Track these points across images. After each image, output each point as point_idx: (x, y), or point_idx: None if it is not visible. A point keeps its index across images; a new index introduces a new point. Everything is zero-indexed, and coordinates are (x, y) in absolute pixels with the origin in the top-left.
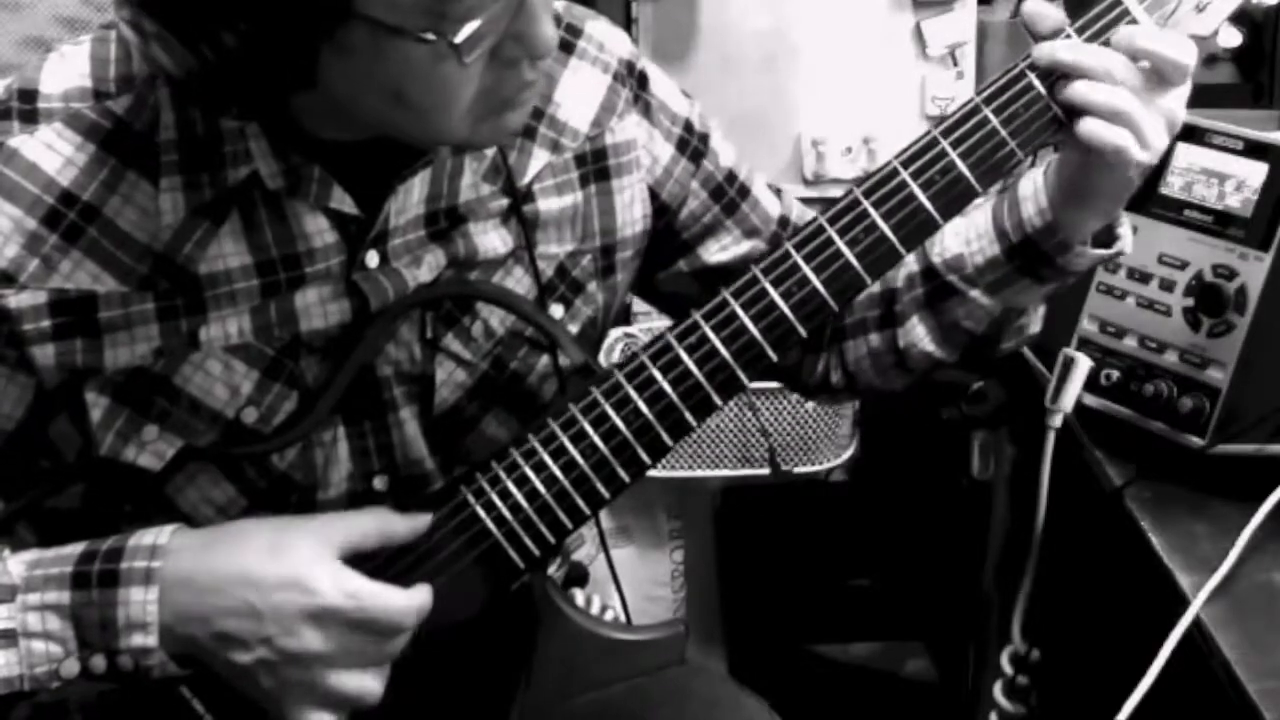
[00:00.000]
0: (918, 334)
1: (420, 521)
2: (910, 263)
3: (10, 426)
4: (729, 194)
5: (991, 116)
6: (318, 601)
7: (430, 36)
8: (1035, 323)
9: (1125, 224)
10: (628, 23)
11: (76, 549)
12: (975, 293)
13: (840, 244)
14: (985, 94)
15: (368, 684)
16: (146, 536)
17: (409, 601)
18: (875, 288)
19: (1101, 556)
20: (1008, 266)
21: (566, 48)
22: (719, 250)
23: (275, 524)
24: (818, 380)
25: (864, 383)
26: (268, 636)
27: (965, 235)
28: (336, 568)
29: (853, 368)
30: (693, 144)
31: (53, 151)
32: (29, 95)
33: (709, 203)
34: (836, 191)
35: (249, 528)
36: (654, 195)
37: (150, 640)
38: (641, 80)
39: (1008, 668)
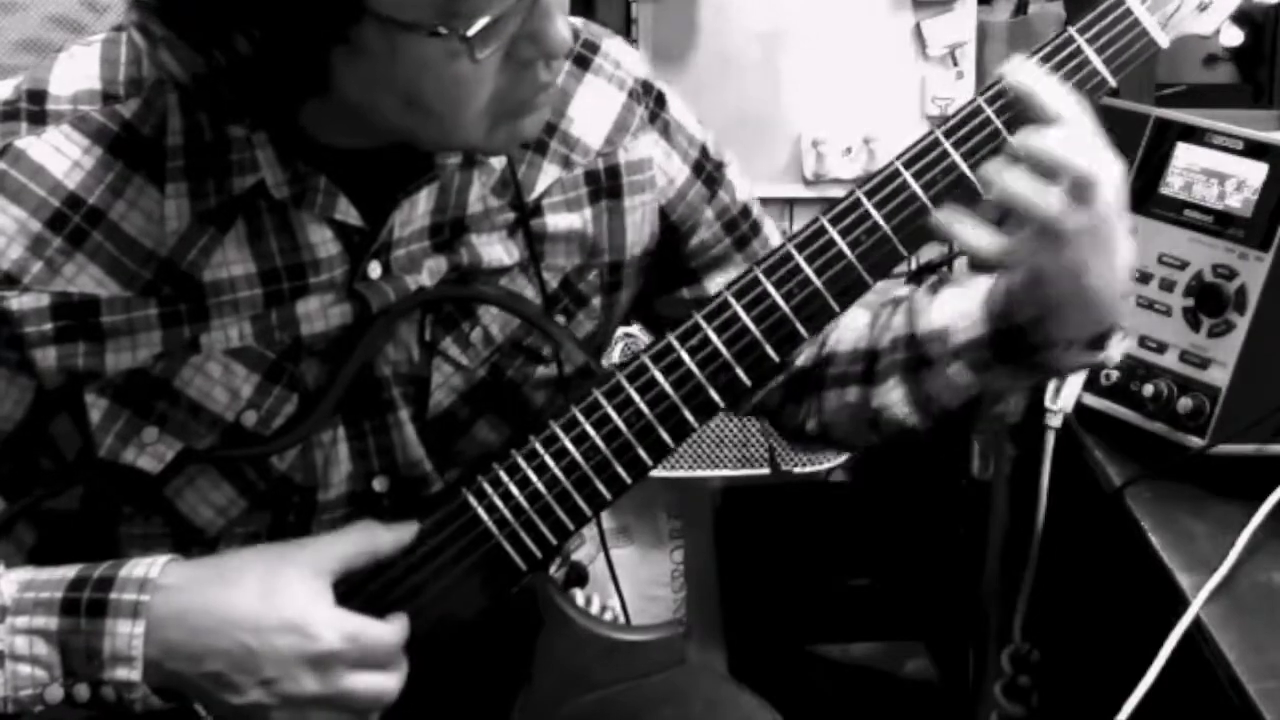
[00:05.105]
0: (892, 398)
1: (406, 531)
2: (898, 326)
3: (10, 428)
4: (742, 228)
5: (994, 117)
6: (320, 647)
7: (443, 31)
8: (1014, 414)
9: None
10: (627, 23)
11: (69, 573)
12: (954, 369)
13: (842, 244)
14: (988, 94)
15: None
16: (138, 568)
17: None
18: (862, 344)
19: (1101, 556)
20: (989, 351)
21: (582, 63)
22: (725, 284)
23: (267, 559)
24: (795, 425)
25: (837, 435)
26: (266, 679)
27: (955, 310)
28: (333, 607)
29: (828, 418)
30: (708, 169)
31: (60, 154)
32: (38, 96)
33: (721, 234)
34: (836, 191)
35: (241, 565)
36: (664, 216)
37: (134, 675)
38: (660, 100)
39: (1008, 668)
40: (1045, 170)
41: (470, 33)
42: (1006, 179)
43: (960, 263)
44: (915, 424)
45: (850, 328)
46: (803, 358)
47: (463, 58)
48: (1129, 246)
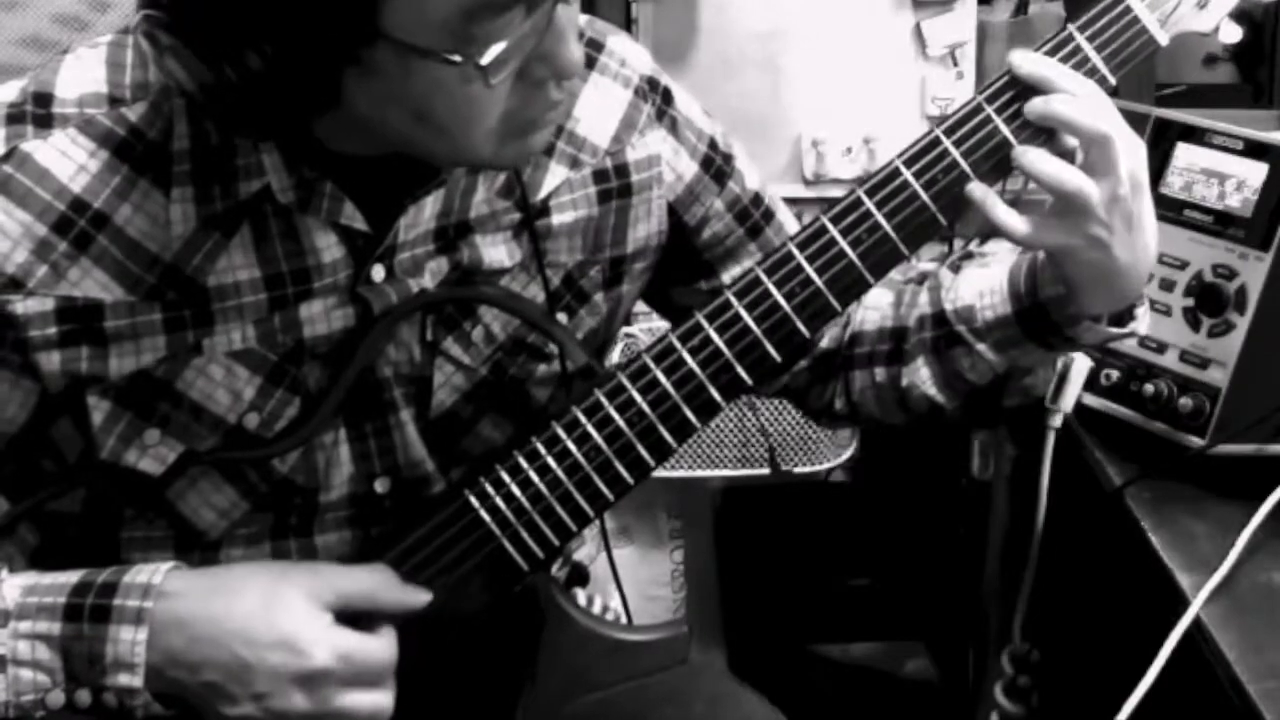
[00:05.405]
0: (921, 376)
1: (418, 597)
2: (924, 304)
3: (12, 430)
4: (754, 217)
5: (994, 115)
6: (310, 665)
7: (457, 58)
8: (1042, 385)
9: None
10: (628, 23)
11: (72, 578)
12: (981, 347)
13: (843, 244)
14: (987, 93)
15: None
16: (141, 574)
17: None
18: (888, 323)
19: (1101, 556)
20: (1016, 328)
21: (588, 62)
22: (741, 273)
23: (271, 573)
24: (822, 405)
25: (865, 413)
26: (258, 694)
27: (980, 288)
28: (328, 626)
29: (856, 398)
30: (717, 163)
31: (66, 158)
32: (44, 99)
33: (733, 225)
34: (836, 191)
35: (246, 576)
36: (673, 212)
37: (136, 681)
38: (666, 96)
39: (1008, 668)
40: (1064, 147)
41: (485, 61)
42: (1030, 157)
43: (992, 243)
44: (944, 402)
45: (875, 307)
46: (827, 339)
47: (476, 81)
48: (1152, 221)
